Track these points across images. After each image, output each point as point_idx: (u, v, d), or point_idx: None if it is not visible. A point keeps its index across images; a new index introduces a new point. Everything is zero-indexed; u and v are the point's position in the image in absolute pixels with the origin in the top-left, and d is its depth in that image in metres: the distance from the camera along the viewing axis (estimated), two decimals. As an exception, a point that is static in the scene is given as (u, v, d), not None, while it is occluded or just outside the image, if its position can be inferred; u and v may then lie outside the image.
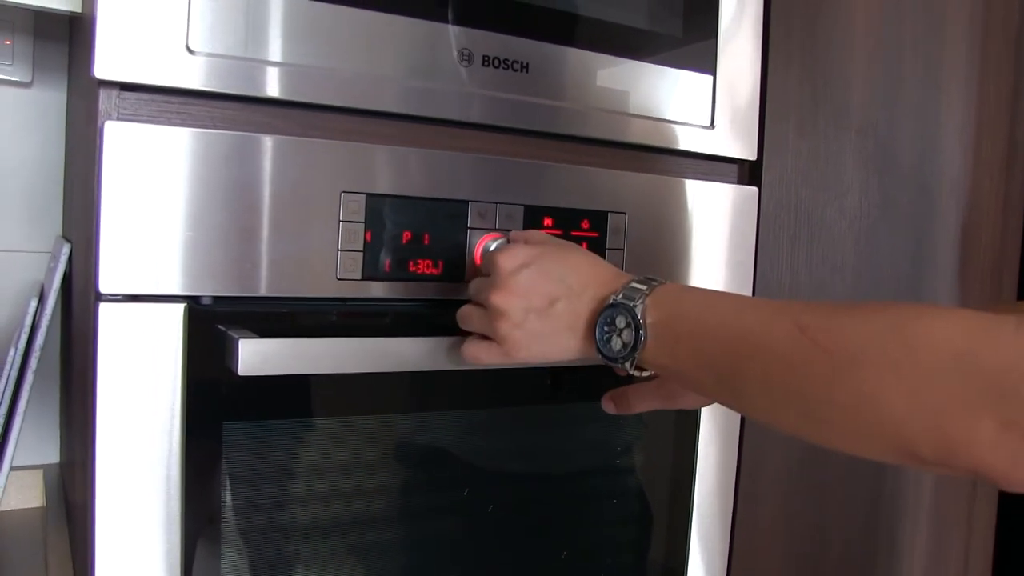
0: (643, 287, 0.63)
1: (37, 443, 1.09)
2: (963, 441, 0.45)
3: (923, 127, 1.13)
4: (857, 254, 1.08)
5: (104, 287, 0.63)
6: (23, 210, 1.08)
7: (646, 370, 0.64)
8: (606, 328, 0.63)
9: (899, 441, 0.48)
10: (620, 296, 0.63)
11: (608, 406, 0.81)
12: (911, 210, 1.13)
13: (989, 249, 1.22)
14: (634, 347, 0.62)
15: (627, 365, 0.63)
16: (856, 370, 0.49)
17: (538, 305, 0.65)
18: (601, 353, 0.64)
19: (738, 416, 0.98)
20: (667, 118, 0.88)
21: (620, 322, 0.62)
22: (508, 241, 0.76)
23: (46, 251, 1.08)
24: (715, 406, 0.94)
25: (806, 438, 0.55)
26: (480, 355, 0.69)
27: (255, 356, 0.63)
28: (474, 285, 0.73)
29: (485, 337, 0.69)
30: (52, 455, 1.11)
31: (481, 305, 0.70)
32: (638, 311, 0.61)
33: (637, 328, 0.61)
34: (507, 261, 0.67)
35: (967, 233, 1.19)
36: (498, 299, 0.66)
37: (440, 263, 0.75)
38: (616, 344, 0.62)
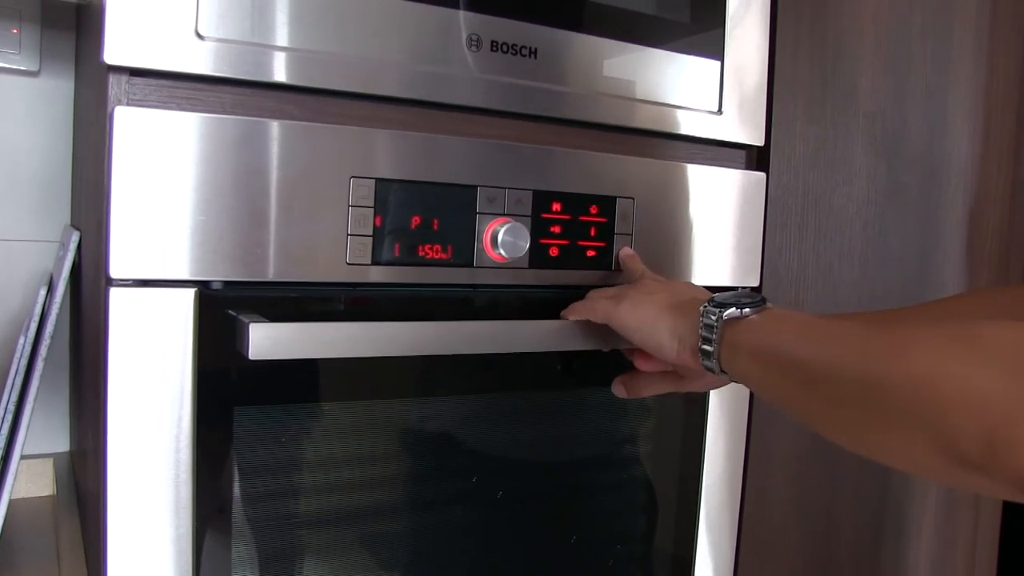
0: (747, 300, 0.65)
1: (47, 432, 1.10)
2: (1008, 440, 0.43)
3: (931, 113, 1.12)
4: (865, 239, 1.08)
5: (115, 272, 0.63)
6: (32, 199, 1.08)
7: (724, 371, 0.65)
8: (711, 307, 0.66)
9: (943, 433, 0.46)
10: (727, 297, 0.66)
11: (619, 390, 0.81)
12: (919, 195, 1.13)
13: (997, 234, 1.22)
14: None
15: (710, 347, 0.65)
16: (912, 349, 0.49)
17: (658, 287, 0.74)
18: (701, 322, 0.66)
19: (746, 403, 0.98)
20: (675, 104, 0.88)
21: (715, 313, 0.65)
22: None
23: (55, 240, 1.08)
24: (723, 393, 0.94)
25: (848, 436, 0.55)
26: (597, 301, 0.76)
27: (266, 340, 0.63)
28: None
29: None
30: (62, 444, 1.12)
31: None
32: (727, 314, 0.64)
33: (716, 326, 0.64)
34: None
35: (975, 218, 1.19)
36: (629, 288, 0.75)
37: (450, 248, 0.75)
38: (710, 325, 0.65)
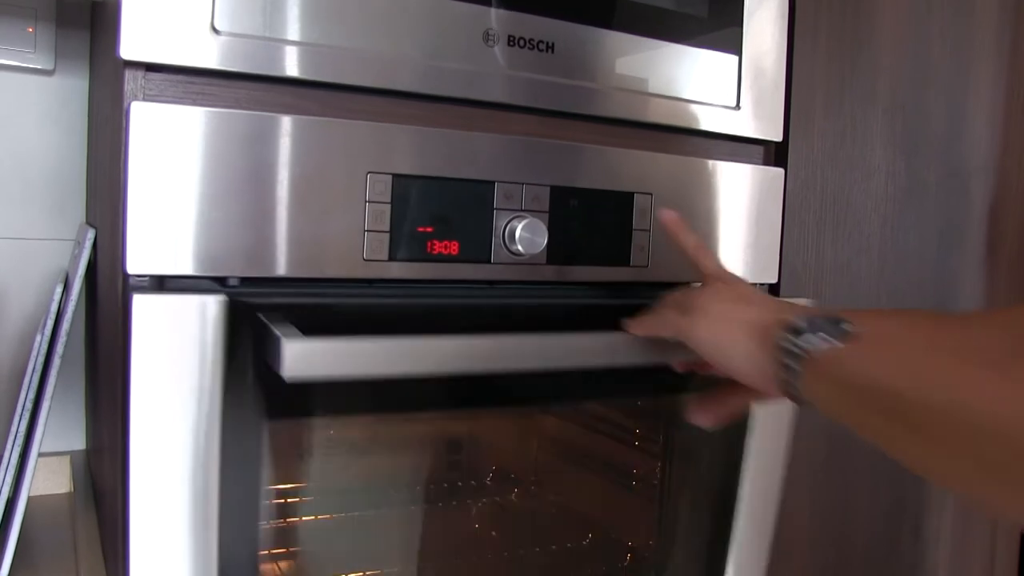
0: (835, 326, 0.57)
1: (63, 429, 1.10)
2: None
3: (951, 109, 1.11)
4: (883, 236, 1.07)
5: (131, 268, 0.63)
6: (47, 198, 1.08)
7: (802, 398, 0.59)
8: (792, 336, 0.59)
9: None
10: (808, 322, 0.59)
11: (702, 419, 0.74)
12: (938, 192, 1.11)
13: (1017, 232, 1.21)
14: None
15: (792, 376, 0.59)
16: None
17: (733, 297, 0.67)
18: (780, 349, 0.59)
19: (789, 418, 0.96)
20: (693, 99, 0.87)
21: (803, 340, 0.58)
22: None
23: (70, 238, 1.08)
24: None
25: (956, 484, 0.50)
26: (667, 315, 0.70)
27: (301, 360, 0.59)
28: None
29: None
30: (78, 441, 1.12)
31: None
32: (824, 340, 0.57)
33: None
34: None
35: (995, 216, 1.18)
36: (700, 296, 0.68)
37: (467, 244, 0.74)
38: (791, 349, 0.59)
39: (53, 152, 1.08)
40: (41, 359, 0.87)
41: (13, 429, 0.85)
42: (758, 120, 0.92)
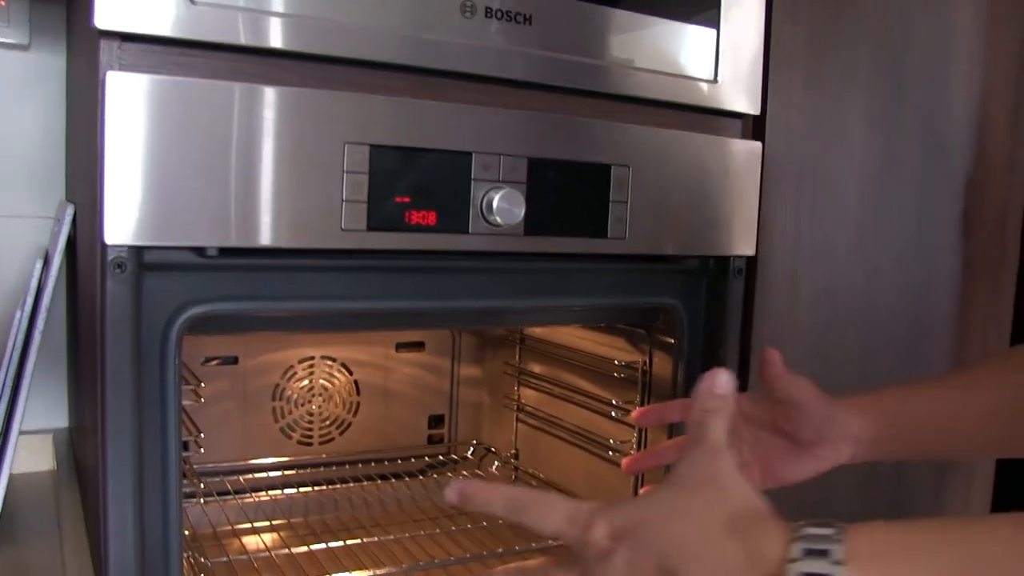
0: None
1: (46, 408, 1.10)
2: None
3: (931, 84, 1.12)
4: (862, 210, 1.07)
5: (109, 238, 0.63)
6: (26, 175, 1.08)
7: None
8: None
9: None
10: None
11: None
12: (916, 167, 1.12)
13: (993, 207, 1.22)
14: None
15: None
16: None
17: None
18: None
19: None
20: (671, 71, 0.87)
21: None
22: None
23: (50, 216, 1.08)
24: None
25: None
26: None
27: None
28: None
29: None
30: (61, 419, 1.12)
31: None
32: None
33: None
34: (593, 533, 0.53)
35: (972, 191, 1.19)
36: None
37: (445, 214, 0.75)
38: None
39: (31, 129, 1.07)
40: (21, 336, 0.87)
41: (-6, 407, 0.85)
42: (736, 94, 0.92)
